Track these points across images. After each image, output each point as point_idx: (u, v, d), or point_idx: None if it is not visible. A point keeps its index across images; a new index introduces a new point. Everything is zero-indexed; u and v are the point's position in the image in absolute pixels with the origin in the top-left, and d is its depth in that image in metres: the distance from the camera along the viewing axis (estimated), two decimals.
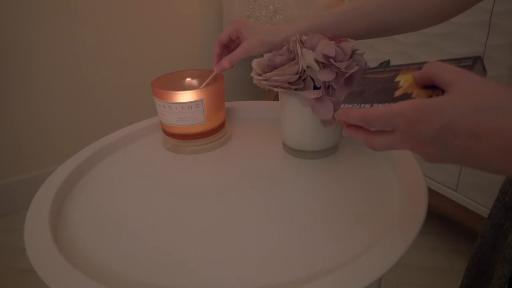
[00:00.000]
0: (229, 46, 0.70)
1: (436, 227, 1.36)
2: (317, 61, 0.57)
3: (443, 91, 0.35)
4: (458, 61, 0.38)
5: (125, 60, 1.66)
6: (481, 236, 0.60)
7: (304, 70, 0.57)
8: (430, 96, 0.36)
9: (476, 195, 1.15)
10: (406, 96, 0.37)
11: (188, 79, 0.74)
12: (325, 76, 0.56)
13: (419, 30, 0.61)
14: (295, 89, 0.59)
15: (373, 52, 1.29)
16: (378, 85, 0.43)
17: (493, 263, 0.57)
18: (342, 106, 0.42)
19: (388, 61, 0.60)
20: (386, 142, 0.38)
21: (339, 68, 0.56)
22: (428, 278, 1.22)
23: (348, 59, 0.57)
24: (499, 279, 0.53)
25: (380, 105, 0.38)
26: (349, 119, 0.40)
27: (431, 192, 0.83)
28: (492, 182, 1.08)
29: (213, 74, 0.69)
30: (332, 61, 0.56)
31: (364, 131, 0.40)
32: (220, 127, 0.72)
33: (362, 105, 0.40)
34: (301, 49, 0.57)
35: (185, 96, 0.66)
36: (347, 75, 0.56)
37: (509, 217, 0.55)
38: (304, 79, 0.59)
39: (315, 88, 0.58)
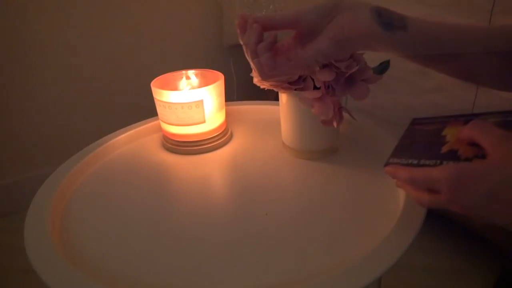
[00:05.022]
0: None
1: (436, 227, 1.36)
2: None
3: None
4: (503, 115, 0.39)
5: (125, 60, 1.66)
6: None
7: None
8: (476, 154, 0.37)
9: None
10: (452, 153, 0.39)
11: (188, 79, 0.74)
12: (325, 76, 0.56)
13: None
14: (295, 89, 0.59)
15: (373, 52, 1.29)
16: (425, 138, 0.45)
17: None
18: (390, 160, 0.45)
19: (388, 61, 0.60)
20: (435, 201, 0.40)
21: (339, 68, 0.56)
22: (428, 278, 1.22)
23: (348, 59, 0.57)
24: None
25: (427, 161, 0.40)
26: (397, 178, 0.43)
27: None
28: None
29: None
30: (332, 61, 0.56)
31: (413, 188, 0.42)
32: (220, 127, 0.72)
33: (410, 161, 0.42)
34: None
35: (185, 96, 0.66)
36: (347, 75, 0.56)
37: None
38: (304, 79, 0.58)
39: (315, 88, 0.58)
